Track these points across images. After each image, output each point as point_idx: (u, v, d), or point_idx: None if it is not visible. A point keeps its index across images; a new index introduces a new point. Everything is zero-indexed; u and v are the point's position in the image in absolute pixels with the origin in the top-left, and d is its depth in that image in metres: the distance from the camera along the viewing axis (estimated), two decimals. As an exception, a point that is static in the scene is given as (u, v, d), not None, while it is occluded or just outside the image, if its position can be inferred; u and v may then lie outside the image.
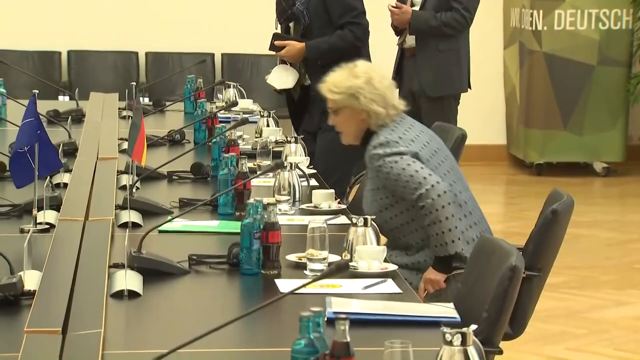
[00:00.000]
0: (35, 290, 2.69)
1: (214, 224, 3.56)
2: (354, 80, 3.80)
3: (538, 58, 8.66)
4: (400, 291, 2.96)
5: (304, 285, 2.30)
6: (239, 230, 3.06)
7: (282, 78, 5.57)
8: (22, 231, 3.33)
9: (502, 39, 9.15)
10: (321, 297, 2.73)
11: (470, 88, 6.07)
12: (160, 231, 3.34)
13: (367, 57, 5.31)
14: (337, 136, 3.97)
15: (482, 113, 8.80)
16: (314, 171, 4.46)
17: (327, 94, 3.85)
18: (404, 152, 3.74)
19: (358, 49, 5.36)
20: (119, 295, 2.78)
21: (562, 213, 3.56)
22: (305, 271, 3.06)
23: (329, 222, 3.33)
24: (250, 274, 3.02)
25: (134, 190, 3.74)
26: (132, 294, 2.79)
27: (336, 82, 3.83)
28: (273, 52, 5.58)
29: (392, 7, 5.96)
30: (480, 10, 6.05)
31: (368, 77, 3.80)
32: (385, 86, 3.84)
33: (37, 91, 3.54)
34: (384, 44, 6.27)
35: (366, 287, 2.97)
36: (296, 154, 4.41)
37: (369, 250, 3.13)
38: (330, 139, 4.88)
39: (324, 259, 3.07)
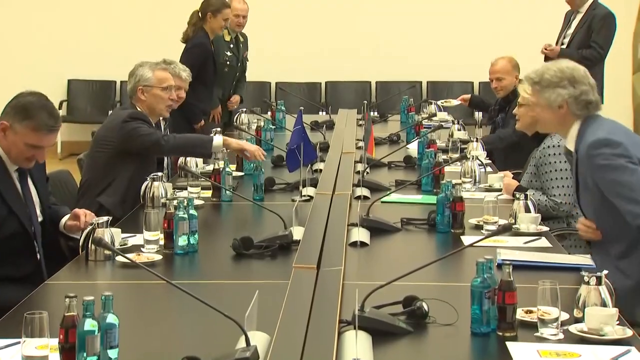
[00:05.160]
0: (300, 240, 2.75)
1: (418, 197, 3.52)
2: None
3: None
4: (551, 246, 2.84)
5: (480, 240, 2.28)
6: (435, 202, 3.02)
7: None
8: (292, 200, 3.40)
9: (631, 67, 8.57)
10: (493, 249, 2.64)
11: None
12: (382, 202, 3.33)
13: None
14: None
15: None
16: (490, 161, 4.35)
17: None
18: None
19: None
20: (354, 244, 2.79)
21: None
22: (482, 230, 2.98)
23: (499, 197, 3.26)
24: (444, 232, 2.98)
25: (365, 173, 3.75)
26: (363, 244, 2.80)
27: None
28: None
29: (545, 49, 5.71)
30: (613, 45, 5.69)
31: None
32: None
33: (302, 108, 3.61)
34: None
35: (525, 243, 2.86)
36: (477, 150, 4.32)
37: (528, 217, 3.01)
38: None
39: (496, 222, 2.98)
